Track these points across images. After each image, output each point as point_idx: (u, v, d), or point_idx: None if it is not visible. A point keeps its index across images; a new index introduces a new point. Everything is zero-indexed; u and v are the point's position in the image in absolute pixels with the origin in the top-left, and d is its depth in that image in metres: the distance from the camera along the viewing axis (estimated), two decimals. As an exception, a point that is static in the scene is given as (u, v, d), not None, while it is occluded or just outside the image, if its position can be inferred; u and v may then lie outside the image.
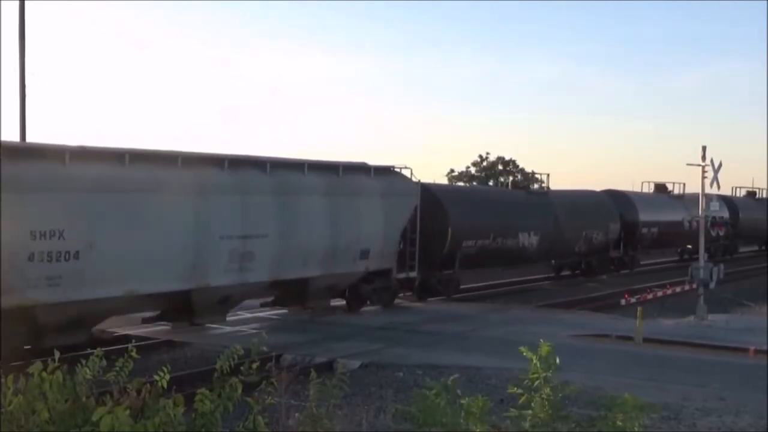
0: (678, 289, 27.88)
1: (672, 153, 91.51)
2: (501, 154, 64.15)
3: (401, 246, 24.52)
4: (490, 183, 58.52)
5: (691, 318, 23.09)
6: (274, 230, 20.09)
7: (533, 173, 63.40)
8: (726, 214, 44.54)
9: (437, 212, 26.16)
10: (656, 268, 40.78)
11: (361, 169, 23.64)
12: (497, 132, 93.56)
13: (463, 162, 64.73)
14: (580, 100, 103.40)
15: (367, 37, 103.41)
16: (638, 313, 20.30)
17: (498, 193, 33.54)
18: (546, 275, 36.33)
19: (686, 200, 42.77)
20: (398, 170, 24.76)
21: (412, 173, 24.99)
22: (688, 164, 23.91)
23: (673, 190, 44.82)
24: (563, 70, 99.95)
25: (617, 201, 37.67)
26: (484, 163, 63.77)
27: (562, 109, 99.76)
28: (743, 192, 52.66)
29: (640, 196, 41.89)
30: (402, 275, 24.61)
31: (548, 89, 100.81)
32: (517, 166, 63.97)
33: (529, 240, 30.55)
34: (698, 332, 21.21)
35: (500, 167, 63.60)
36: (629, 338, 19.87)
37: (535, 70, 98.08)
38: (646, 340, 19.64)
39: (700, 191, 24.40)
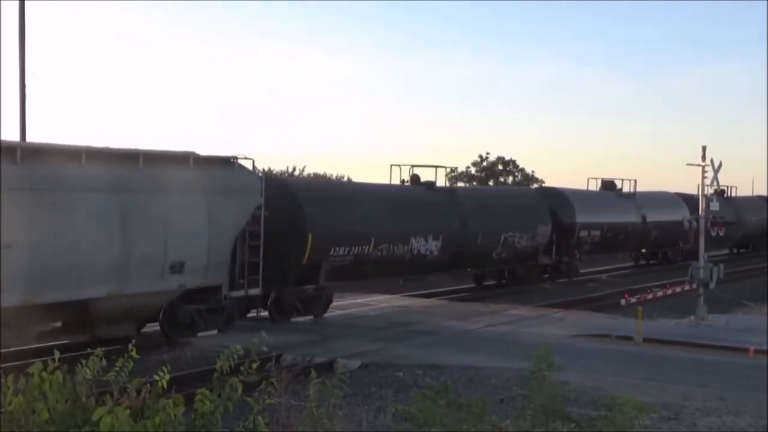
0: (678, 289, 27.87)
1: (672, 153, 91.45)
2: (501, 154, 64.28)
3: (245, 257, 19.65)
4: (490, 183, 58.58)
5: (691, 318, 23.10)
6: (23, 237, 15.09)
7: (533, 173, 63.69)
8: (686, 214, 36.92)
9: (293, 213, 21.28)
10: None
11: (174, 158, 18.43)
12: (497, 132, 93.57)
13: (463, 162, 64.67)
14: (580, 100, 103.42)
15: (367, 37, 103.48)
16: (638, 313, 20.31)
17: (383, 189, 26.81)
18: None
19: (638, 199, 38.62)
20: (235, 161, 19.71)
21: (254, 165, 20.29)
22: (688, 164, 23.93)
23: (622, 188, 39.38)
24: (563, 70, 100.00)
25: (550, 200, 32.71)
26: (484, 163, 63.78)
27: (562, 109, 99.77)
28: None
29: (580, 194, 36.16)
30: (239, 293, 19.58)
31: (548, 89, 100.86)
32: (517, 166, 64.06)
33: (426, 246, 25.68)
34: (698, 332, 21.21)
35: (500, 167, 63.64)
36: (629, 338, 19.88)
37: (536, 71, 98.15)
38: (646, 340, 19.64)
39: (699, 191, 24.39)
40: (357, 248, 23.25)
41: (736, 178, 72.24)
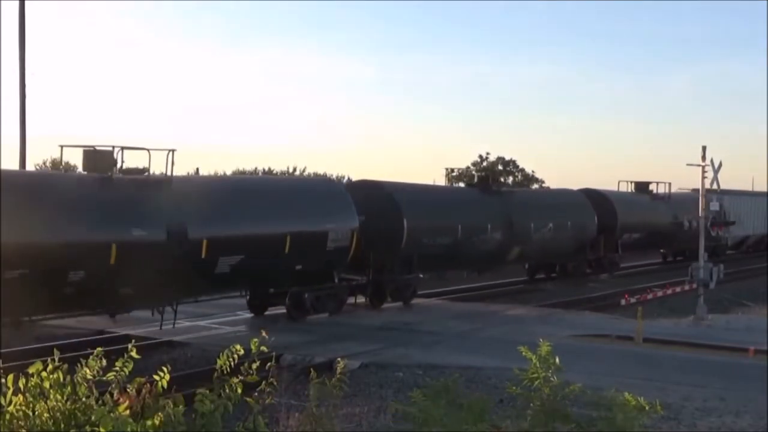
0: (678, 289, 27.88)
1: (672, 153, 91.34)
2: (501, 154, 64.20)
3: None
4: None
5: (691, 318, 23.10)
6: None
7: (533, 173, 63.61)
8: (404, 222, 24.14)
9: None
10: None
11: None
12: (497, 132, 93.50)
13: (463, 162, 64.60)
14: (580, 100, 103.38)
15: (365, 37, 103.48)
16: (638, 313, 20.32)
17: None
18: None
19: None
20: None
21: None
22: (688, 164, 23.95)
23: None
24: (564, 70, 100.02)
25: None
26: (484, 163, 63.70)
27: (562, 109, 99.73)
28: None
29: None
30: None
31: (548, 89, 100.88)
32: (517, 166, 63.99)
33: None
34: (698, 332, 21.22)
35: (500, 167, 63.57)
36: (629, 338, 19.88)
37: (536, 71, 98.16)
38: (646, 340, 19.64)
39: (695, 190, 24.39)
40: None
41: (736, 177, 72.23)
